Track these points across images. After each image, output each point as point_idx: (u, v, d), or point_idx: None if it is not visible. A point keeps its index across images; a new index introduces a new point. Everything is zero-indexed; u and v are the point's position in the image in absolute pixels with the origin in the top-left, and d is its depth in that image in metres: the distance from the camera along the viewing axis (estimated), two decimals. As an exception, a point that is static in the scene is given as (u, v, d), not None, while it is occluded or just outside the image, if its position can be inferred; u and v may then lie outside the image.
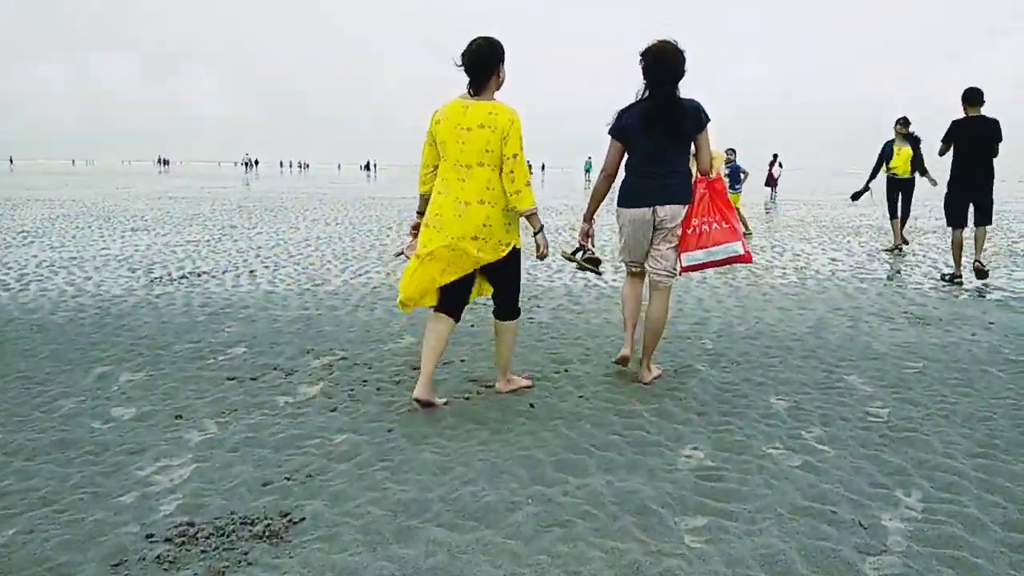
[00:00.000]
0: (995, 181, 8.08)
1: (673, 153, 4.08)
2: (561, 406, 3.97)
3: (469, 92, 3.69)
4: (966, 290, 7.68)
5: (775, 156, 31.21)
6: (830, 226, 15.37)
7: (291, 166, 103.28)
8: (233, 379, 4.40)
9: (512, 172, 3.63)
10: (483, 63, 3.63)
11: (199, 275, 8.09)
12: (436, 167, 3.79)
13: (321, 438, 3.49)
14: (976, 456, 3.38)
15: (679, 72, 4.00)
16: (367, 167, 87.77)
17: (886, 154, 11.25)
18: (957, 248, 8.22)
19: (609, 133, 4.15)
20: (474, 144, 3.60)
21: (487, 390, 4.23)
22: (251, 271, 8.42)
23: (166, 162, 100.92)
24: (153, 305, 6.48)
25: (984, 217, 8.07)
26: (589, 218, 4.36)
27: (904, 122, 11.20)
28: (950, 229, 8.26)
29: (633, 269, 4.40)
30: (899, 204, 11.11)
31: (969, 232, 8.19)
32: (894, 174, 11.15)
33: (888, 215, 11.44)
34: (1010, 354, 5.13)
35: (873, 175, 11.45)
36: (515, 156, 3.63)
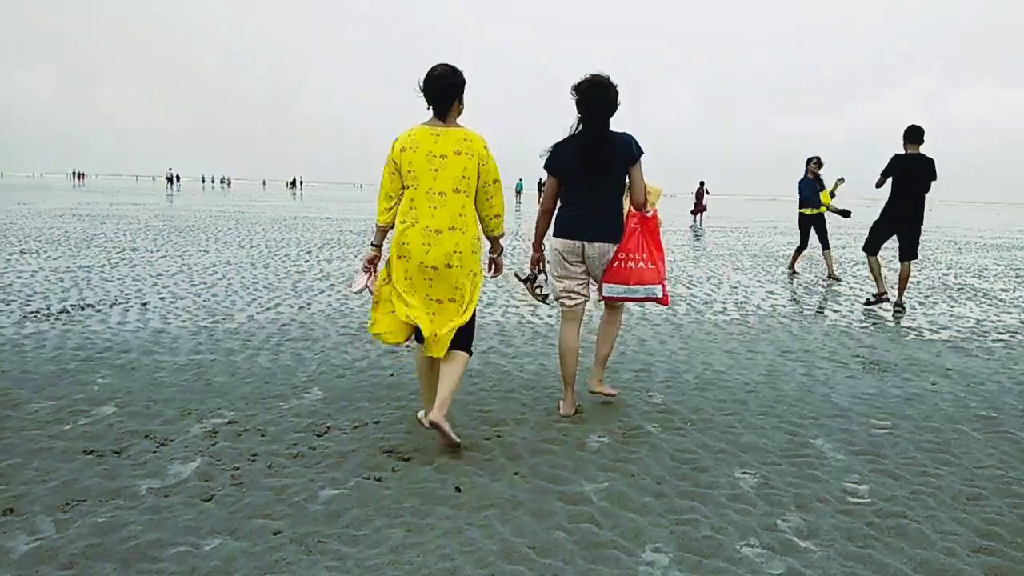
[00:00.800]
0: (924, 218, 8.33)
1: (605, 187, 4.07)
2: (493, 488, 3.30)
3: (433, 119, 3.64)
4: (912, 329, 7.38)
5: (702, 183, 31.76)
6: (761, 255, 15.22)
7: (213, 182, 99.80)
8: (91, 452, 3.58)
9: (492, 197, 3.71)
10: (449, 89, 3.59)
11: (82, 308, 7.13)
12: (398, 197, 3.68)
13: (185, 545, 2.73)
14: (981, 551, 2.87)
15: (611, 105, 3.98)
16: (293, 184, 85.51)
17: (816, 189, 11.59)
18: (876, 269, 8.60)
19: (544, 167, 4.14)
20: (450, 171, 3.57)
21: (405, 465, 3.54)
22: (143, 304, 7.49)
23: (80, 175, 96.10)
24: (18, 348, 5.54)
25: (909, 252, 8.31)
26: (537, 247, 4.38)
27: (818, 162, 11.65)
28: (866, 255, 8.71)
29: (566, 303, 4.28)
30: (816, 237, 11.68)
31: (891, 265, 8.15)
32: (805, 212, 11.64)
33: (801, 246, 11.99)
34: (978, 408, 4.73)
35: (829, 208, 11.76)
36: (495, 182, 3.71)
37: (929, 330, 7.37)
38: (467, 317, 3.68)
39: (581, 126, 4.05)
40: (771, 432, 4.16)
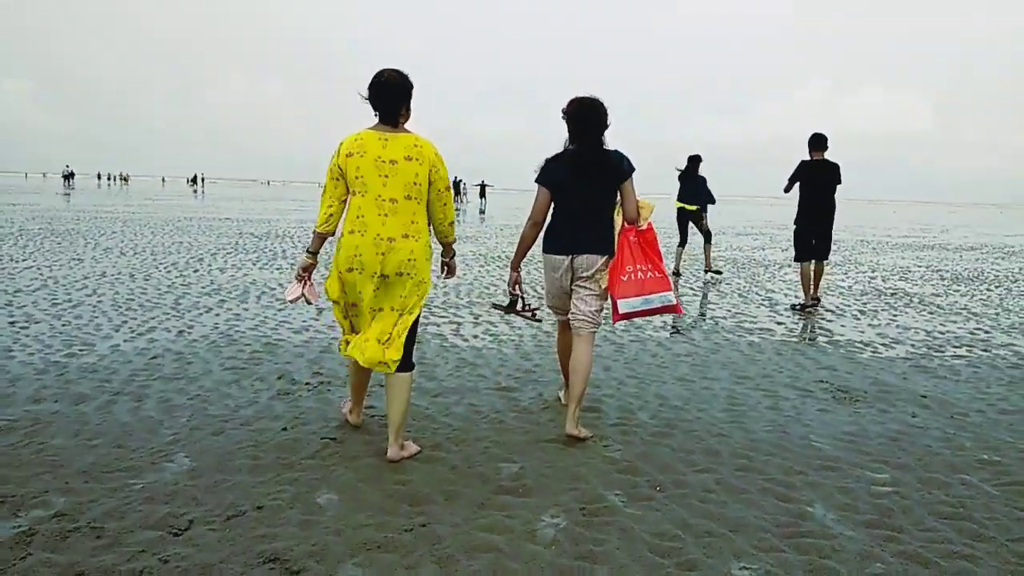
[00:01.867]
0: (835, 219, 8.71)
1: (597, 202, 4.08)
2: (416, 618, 2.38)
3: (380, 124, 3.54)
4: (865, 344, 6.82)
5: None
6: (684, 258, 14.73)
7: (109, 179, 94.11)
8: None
9: (446, 205, 3.65)
10: (397, 95, 3.51)
11: (-99, 339, 5.80)
12: (342, 203, 3.58)
13: None
14: None
15: (603, 122, 4.04)
16: (193, 180, 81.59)
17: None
18: (806, 279, 8.77)
19: (536, 181, 4.09)
20: (401, 177, 3.48)
21: (294, 580, 2.58)
22: (-15, 331, 6.20)
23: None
24: None
25: (823, 253, 8.76)
26: (516, 266, 4.26)
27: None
28: (798, 263, 8.88)
29: (559, 316, 4.38)
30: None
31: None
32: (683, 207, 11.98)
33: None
34: (975, 449, 4.10)
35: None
36: (447, 188, 3.63)
37: (883, 344, 6.84)
38: (407, 323, 3.56)
39: (573, 143, 4.06)
40: (759, 497, 3.38)
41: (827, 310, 8.72)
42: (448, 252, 3.93)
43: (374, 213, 3.47)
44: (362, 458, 3.67)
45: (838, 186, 8.52)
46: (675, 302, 4.12)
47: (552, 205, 4.12)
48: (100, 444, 3.76)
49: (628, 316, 4.10)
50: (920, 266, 14.72)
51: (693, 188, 11.88)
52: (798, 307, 8.79)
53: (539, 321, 4.73)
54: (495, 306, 4.58)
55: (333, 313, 3.75)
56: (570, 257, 4.07)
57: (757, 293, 9.99)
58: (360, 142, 3.50)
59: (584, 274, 4.08)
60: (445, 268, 4.00)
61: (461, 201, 48.37)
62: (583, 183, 4.03)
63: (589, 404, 4.67)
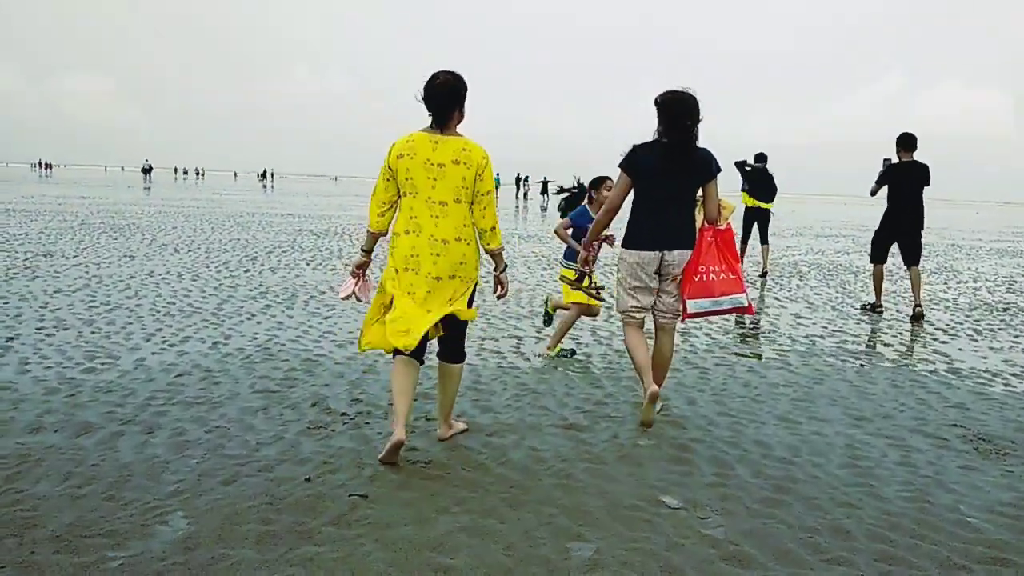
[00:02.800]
0: (924, 223, 8.35)
1: (684, 197, 4.04)
2: None
3: (432, 127, 3.52)
4: (992, 375, 5.81)
5: None
6: (761, 262, 13.65)
7: (185, 173, 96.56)
8: None
9: (485, 209, 3.57)
10: (451, 97, 3.48)
11: (-82, 346, 5.36)
12: (394, 204, 3.61)
13: None
14: None
15: (696, 115, 3.95)
16: (263, 176, 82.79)
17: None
18: (878, 280, 8.61)
19: (619, 166, 4.01)
20: (449, 180, 3.47)
21: None
22: (8, 338, 5.72)
23: (47, 166, 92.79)
24: None
25: (912, 257, 8.37)
26: (589, 246, 4.33)
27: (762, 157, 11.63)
28: (873, 264, 8.66)
29: (632, 317, 4.23)
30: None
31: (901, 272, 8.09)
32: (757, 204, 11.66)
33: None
34: None
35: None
36: (489, 193, 3.57)
37: (1013, 375, 5.82)
38: (458, 305, 3.55)
39: (664, 134, 3.97)
40: (915, 609, 2.53)
41: (938, 328, 7.68)
42: (498, 264, 3.75)
43: (427, 215, 3.47)
44: (397, 527, 2.95)
45: (926, 188, 8.22)
46: (747, 304, 4.14)
47: (633, 196, 4.06)
48: (89, 495, 3.13)
49: (696, 315, 4.14)
50: (1005, 272, 13.32)
51: (765, 186, 11.52)
52: (868, 307, 8.66)
53: (603, 301, 4.81)
54: (563, 278, 4.65)
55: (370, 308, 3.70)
56: (661, 253, 4.02)
57: (852, 306, 8.95)
58: (411, 144, 3.49)
59: (674, 270, 4.07)
60: (497, 284, 3.77)
61: (524, 198, 47.69)
62: (673, 175, 3.97)
63: (676, 454, 3.86)
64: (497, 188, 44.76)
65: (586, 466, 3.65)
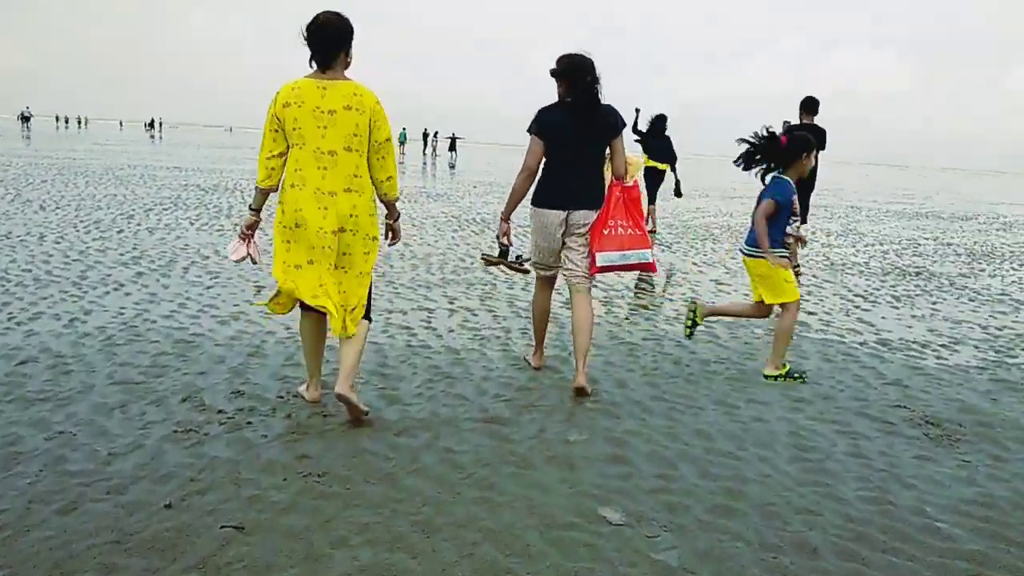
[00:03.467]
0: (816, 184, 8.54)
1: (590, 156, 4.04)
2: None
3: (318, 72, 3.30)
4: (921, 346, 5.62)
5: None
6: (676, 225, 13.44)
7: (67, 122, 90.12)
8: None
9: (384, 158, 3.43)
10: (336, 38, 3.27)
11: None
12: (283, 156, 3.34)
13: None
14: None
15: (595, 73, 3.97)
16: (151, 125, 77.92)
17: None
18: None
19: (529, 131, 4.00)
20: (340, 128, 3.28)
21: None
22: None
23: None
24: None
25: (801, 215, 8.43)
26: (507, 216, 4.23)
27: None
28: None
29: (543, 272, 4.31)
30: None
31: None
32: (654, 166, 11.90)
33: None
34: None
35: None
36: (387, 140, 3.41)
37: (943, 346, 5.64)
38: (365, 287, 3.49)
39: (568, 95, 3.99)
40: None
41: (857, 295, 7.53)
42: (392, 212, 3.64)
43: (313, 167, 3.28)
44: (280, 570, 2.35)
45: (821, 152, 8.23)
46: (651, 260, 4.18)
47: (544, 157, 4.03)
48: None
49: (604, 270, 4.12)
50: (926, 238, 13.60)
51: (662, 147, 11.75)
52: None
53: (528, 272, 4.54)
54: (484, 257, 4.46)
55: (273, 272, 3.43)
56: (566, 212, 4.02)
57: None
58: (297, 91, 3.27)
59: (579, 230, 4.06)
60: (389, 232, 3.69)
61: (431, 154, 46.64)
62: (579, 135, 3.96)
63: (612, 451, 3.39)
64: (403, 144, 43.58)
65: (511, 471, 3.13)
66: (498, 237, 4.29)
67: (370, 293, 3.57)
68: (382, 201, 3.55)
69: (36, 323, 4.88)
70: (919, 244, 12.52)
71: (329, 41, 3.26)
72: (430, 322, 5.52)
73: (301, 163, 3.28)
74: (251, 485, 2.88)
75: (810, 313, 6.57)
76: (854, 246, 11.74)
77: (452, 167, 33.05)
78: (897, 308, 7.01)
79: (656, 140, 11.76)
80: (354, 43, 3.35)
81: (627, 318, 6.04)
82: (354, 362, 3.45)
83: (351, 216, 3.33)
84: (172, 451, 3.14)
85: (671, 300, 6.77)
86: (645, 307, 6.45)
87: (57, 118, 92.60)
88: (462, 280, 7.11)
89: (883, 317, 6.58)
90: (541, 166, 4.06)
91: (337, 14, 3.31)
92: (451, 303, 6.15)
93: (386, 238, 3.68)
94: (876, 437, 3.76)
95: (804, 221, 8.18)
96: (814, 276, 8.54)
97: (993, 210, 23.67)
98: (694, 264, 8.96)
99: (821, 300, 7.19)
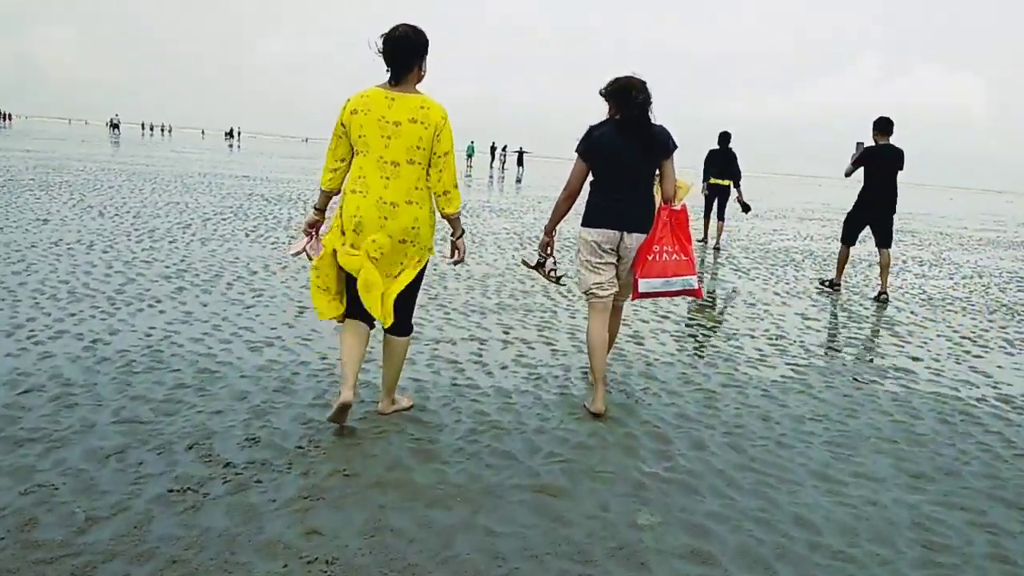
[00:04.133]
0: (896, 207, 8.45)
1: (642, 177, 3.94)
2: None
3: (389, 83, 3.33)
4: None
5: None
6: (753, 248, 12.59)
7: (151, 129, 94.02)
8: None
9: (442, 171, 3.39)
10: (408, 52, 3.28)
11: None
12: (346, 162, 3.41)
13: None
14: None
15: (648, 97, 3.86)
16: (230, 134, 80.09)
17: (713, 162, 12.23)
18: (843, 261, 8.77)
19: (576, 150, 3.91)
20: (403, 140, 3.29)
21: None
22: None
23: (7, 116, 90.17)
24: None
25: (885, 239, 8.46)
26: (549, 231, 4.15)
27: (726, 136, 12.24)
28: (842, 244, 8.75)
29: (598, 296, 4.04)
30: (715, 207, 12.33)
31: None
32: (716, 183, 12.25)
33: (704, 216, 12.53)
34: None
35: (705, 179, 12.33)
36: (447, 154, 3.39)
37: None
38: (402, 282, 3.42)
39: (618, 115, 3.87)
40: None
41: (965, 337, 6.65)
42: (455, 229, 3.58)
43: (376, 175, 3.30)
44: None
45: (900, 172, 8.30)
46: (696, 287, 4.09)
47: (591, 177, 3.96)
48: None
49: (646, 295, 4.05)
50: (1033, 271, 12.41)
51: (728, 165, 12.08)
52: (826, 283, 8.86)
53: (563, 285, 4.61)
54: (524, 262, 4.49)
55: (312, 276, 3.49)
56: (621, 233, 3.92)
57: (864, 305, 7.91)
58: (366, 99, 3.32)
59: (630, 253, 3.98)
60: (453, 249, 3.64)
61: (498, 167, 46.42)
62: (630, 155, 3.87)
63: (692, 544, 2.73)
64: (471, 157, 43.67)
65: (565, 567, 2.51)
66: (540, 249, 4.21)
67: (412, 304, 3.58)
68: (443, 216, 3.52)
69: (55, 343, 4.50)
70: (1023, 278, 11.39)
71: (402, 53, 3.27)
72: (481, 355, 4.95)
73: (365, 170, 3.31)
74: (242, 572, 2.34)
75: (915, 359, 5.75)
76: (951, 278, 10.72)
77: (519, 181, 32.63)
78: (1013, 355, 6.12)
79: (720, 156, 12.11)
80: (428, 57, 3.36)
81: (702, 356, 5.36)
82: (392, 382, 3.64)
83: (412, 228, 3.34)
84: (161, 517, 2.63)
85: (752, 337, 6.05)
86: (722, 345, 5.75)
87: (143, 125, 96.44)
88: (520, 306, 6.53)
89: (999, 366, 5.73)
90: (589, 186, 4.00)
91: (413, 27, 3.32)
92: (506, 333, 5.57)
93: (451, 257, 3.63)
94: (1020, 533, 3.01)
95: (888, 246, 8.45)
96: (913, 313, 7.66)
97: (1100, 240, 21.89)
98: (776, 294, 8.18)
99: (925, 342, 6.35)
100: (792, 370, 5.15)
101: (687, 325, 6.35)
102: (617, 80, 3.91)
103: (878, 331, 6.78)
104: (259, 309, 5.73)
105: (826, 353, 5.75)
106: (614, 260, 4.00)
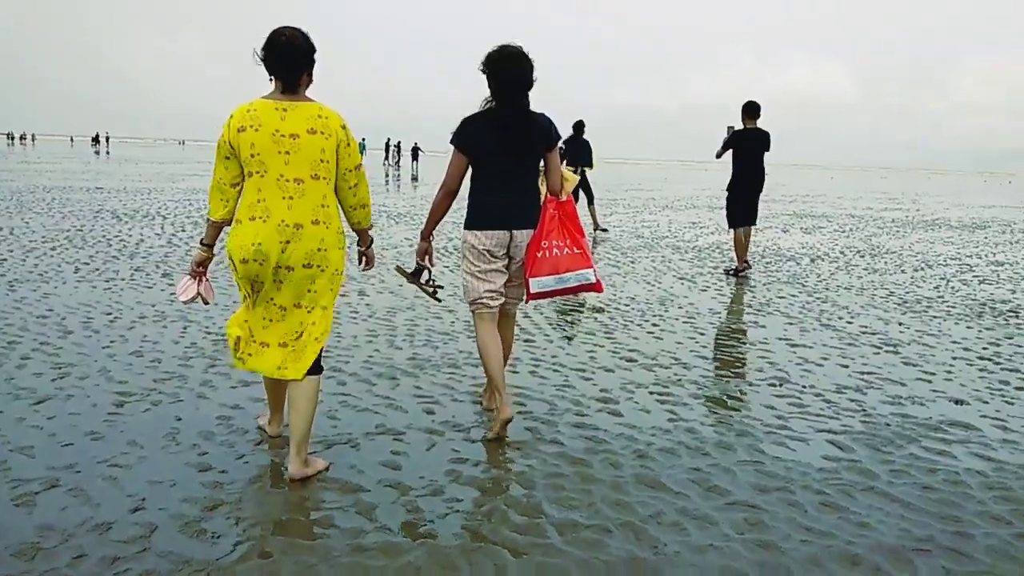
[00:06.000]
0: (764, 186, 8.88)
1: (526, 171, 3.69)
2: None
3: (278, 92, 3.01)
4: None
5: (562, 147, 30.36)
6: (686, 248, 11.34)
7: (20, 139, 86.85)
8: None
9: (356, 185, 3.16)
10: (299, 57, 2.98)
11: None
12: (238, 187, 3.05)
13: None
14: None
15: (529, 79, 3.59)
16: (96, 140, 74.14)
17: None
18: (740, 245, 8.78)
19: (451, 143, 3.63)
20: (305, 153, 2.97)
21: None
22: None
23: None
24: None
25: (752, 217, 8.88)
26: (427, 235, 3.81)
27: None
28: (732, 229, 8.92)
29: (487, 306, 3.71)
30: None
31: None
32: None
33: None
34: None
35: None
36: (358, 167, 3.15)
37: None
38: (323, 327, 3.10)
39: (495, 102, 3.60)
40: None
41: (981, 357, 5.45)
42: (365, 240, 3.38)
43: (277, 196, 2.95)
44: None
45: (766, 153, 8.77)
46: (595, 280, 3.80)
47: (471, 173, 3.68)
48: None
49: (540, 296, 3.78)
50: (970, 256, 11.64)
51: (579, 152, 12.50)
52: (732, 272, 8.84)
53: (439, 301, 4.16)
54: (399, 269, 4.07)
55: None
56: (511, 232, 3.65)
57: (849, 323, 6.65)
58: (254, 114, 2.95)
59: (520, 252, 3.71)
60: (362, 258, 3.46)
61: (394, 165, 44.47)
62: (512, 149, 3.60)
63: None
64: (362, 153, 42.30)
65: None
66: (418, 256, 3.85)
67: (323, 341, 3.14)
68: (354, 230, 3.34)
69: None
70: (972, 266, 10.56)
71: (293, 59, 2.96)
72: (397, 465, 3.28)
73: (264, 192, 2.96)
74: None
75: (957, 402, 4.44)
76: (901, 270, 9.75)
77: (415, 179, 30.89)
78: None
79: (573, 145, 12.53)
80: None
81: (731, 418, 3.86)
82: (305, 431, 3.11)
83: (319, 251, 3.01)
84: None
85: (762, 379, 4.61)
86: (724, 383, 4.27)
87: (9, 135, 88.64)
88: (441, 359, 4.89)
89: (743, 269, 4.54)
90: (469, 183, 3.72)
91: (299, 31, 3.01)
92: (430, 415, 3.93)
93: (359, 264, 3.46)
94: None
95: (753, 223, 8.89)
96: (902, 324, 6.47)
97: (997, 215, 22.11)
98: (750, 309, 6.81)
99: (951, 372, 5.07)
100: (826, 433, 3.72)
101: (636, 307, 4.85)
102: (498, 55, 3.56)
103: (879, 351, 5.50)
104: (56, 405, 3.84)
105: (856, 403, 4.36)
106: (504, 264, 3.72)
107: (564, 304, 6.78)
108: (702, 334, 5.93)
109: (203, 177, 25.09)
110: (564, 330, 5.93)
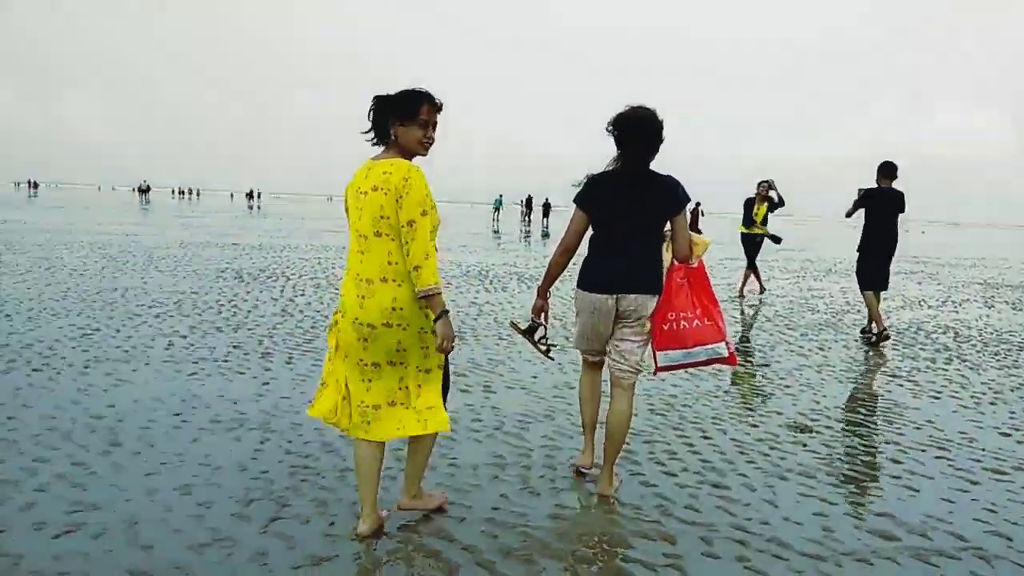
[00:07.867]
0: (896, 250, 8.50)
1: (645, 233, 3.54)
2: None
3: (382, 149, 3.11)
4: None
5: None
6: (825, 312, 9.31)
7: (183, 194, 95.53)
8: None
9: (409, 244, 2.91)
10: (379, 114, 3.04)
11: None
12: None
13: None
14: None
15: (656, 141, 3.49)
16: (250, 195, 78.48)
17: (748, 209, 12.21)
18: (873, 306, 8.37)
19: (574, 201, 3.60)
20: (368, 211, 2.97)
21: None
22: None
23: (34, 185, 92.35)
24: None
25: (884, 281, 8.52)
26: (543, 293, 3.76)
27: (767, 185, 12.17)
28: (866, 292, 8.52)
29: (590, 359, 3.81)
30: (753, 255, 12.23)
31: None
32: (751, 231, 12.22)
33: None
34: None
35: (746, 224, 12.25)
36: (410, 223, 2.89)
37: None
38: (435, 383, 3.08)
39: (620, 163, 3.53)
40: None
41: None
42: (433, 308, 2.94)
43: (355, 250, 3.04)
44: None
45: (901, 215, 8.45)
46: (726, 354, 3.56)
47: (591, 233, 3.61)
48: None
49: (668, 369, 3.58)
50: None
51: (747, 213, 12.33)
52: (871, 334, 8.29)
53: (552, 359, 4.21)
54: (513, 324, 3.97)
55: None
56: (615, 297, 3.50)
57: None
58: (354, 171, 3.14)
59: (635, 317, 3.52)
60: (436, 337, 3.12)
61: (527, 221, 43.89)
62: (633, 210, 3.49)
63: None
64: (498, 211, 41.98)
65: None
66: (533, 313, 3.72)
67: (446, 388, 3.17)
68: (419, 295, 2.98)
69: None
70: None
71: (375, 117, 3.04)
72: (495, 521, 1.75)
73: (350, 246, 3.10)
74: None
75: None
76: None
77: (546, 236, 29.95)
78: None
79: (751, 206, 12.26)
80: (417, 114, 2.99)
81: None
82: (416, 473, 3.25)
83: (393, 310, 2.93)
84: None
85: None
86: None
87: (174, 191, 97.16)
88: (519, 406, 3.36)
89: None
90: (588, 242, 3.60)
91: (392, 94, 3.04)
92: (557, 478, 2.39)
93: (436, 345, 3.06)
94: None
95: (884, 287, 8.52)
96: None
97: None
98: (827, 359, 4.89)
99: None
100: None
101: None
102: (627, 116, 3.48)
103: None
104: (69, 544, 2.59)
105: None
106: (607, 328, 3.56)
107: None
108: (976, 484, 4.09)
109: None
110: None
